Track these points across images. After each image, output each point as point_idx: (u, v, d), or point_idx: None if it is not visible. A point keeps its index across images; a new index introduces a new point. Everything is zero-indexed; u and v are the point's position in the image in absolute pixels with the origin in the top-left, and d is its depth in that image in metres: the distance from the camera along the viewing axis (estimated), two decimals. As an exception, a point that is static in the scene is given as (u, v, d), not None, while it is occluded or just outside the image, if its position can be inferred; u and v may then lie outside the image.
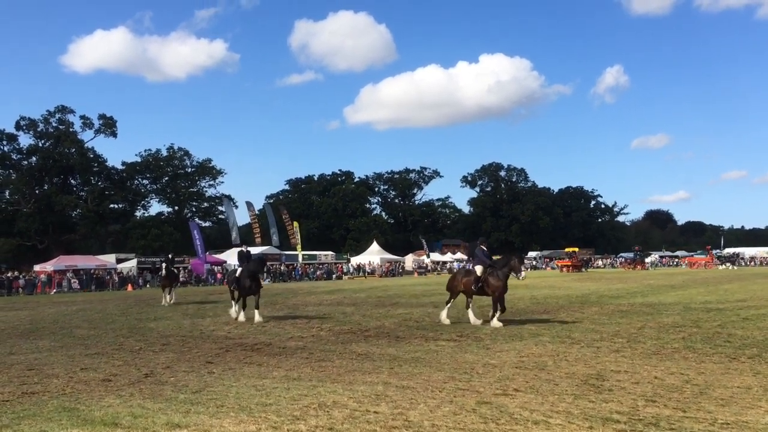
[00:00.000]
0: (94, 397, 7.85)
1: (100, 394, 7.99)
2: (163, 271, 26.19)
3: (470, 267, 16.33)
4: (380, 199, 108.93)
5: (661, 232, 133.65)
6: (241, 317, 17.33)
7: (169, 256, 27.93)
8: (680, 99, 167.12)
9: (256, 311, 17.18)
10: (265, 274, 16.99)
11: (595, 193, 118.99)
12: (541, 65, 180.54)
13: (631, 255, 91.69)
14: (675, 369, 9.24)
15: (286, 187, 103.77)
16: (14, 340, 14.35)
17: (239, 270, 18.01)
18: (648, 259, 74.78)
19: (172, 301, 25.09)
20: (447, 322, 15.53)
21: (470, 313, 15.55)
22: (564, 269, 63.40)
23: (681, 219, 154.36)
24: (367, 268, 66.34)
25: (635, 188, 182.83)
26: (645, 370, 9.19)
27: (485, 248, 15.85)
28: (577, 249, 76.02)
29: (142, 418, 6.70)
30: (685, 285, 32.96)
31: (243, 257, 18.34)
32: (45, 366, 10.40)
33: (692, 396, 7.53)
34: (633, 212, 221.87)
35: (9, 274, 46.42)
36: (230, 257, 60.65)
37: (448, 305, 16.00)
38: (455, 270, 32.39)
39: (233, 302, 18.17)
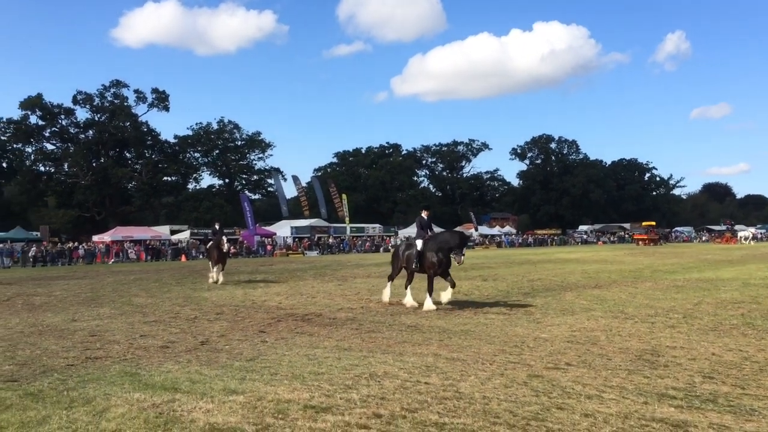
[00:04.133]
0: (153, 362, 8.12)
1: (159, 360, 8.26)
2: (225, 245, 21.79)
3: None
4: (428, 172, 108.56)
5: (719, 205, 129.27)
6: (409, 300, 14.08)
7: (217, 226, 23.14)
8: (743, 67, 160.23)
9: (429, 297, 13.59)
10: (463, 254, 13.83)
11: (650, 166, 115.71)
12: (599, 33, 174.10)
13: (687, 229, 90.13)
14: (733, 345, 8.99)
15: (334, 159, 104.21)
16: (76, 307, 14.92)
17: (419, 242, 14.02)
18: (742, 233, 72.64)
19: (220, 280, 20.96)
20: None
21: None
22: (641, 243, 63.45)
23: (740, 192, 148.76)
24: (415, 241, 66.36)
25: (693, 160, 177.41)
26: (702, 346, 8.97)
27: None
28: (654, 223, 76.38)
29: (200, 383, 6.89)
30: (743, 260, 31.91)
31: (424, 225, 14.39)
32: (106, 332, 10.79)
33: (751, 373, 7.32)
34: (690, 185, 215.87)
35: (69, 245, 48.32)
36: (279, 229, 61.77)
37: None
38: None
39: (388, 282, 14.91)
